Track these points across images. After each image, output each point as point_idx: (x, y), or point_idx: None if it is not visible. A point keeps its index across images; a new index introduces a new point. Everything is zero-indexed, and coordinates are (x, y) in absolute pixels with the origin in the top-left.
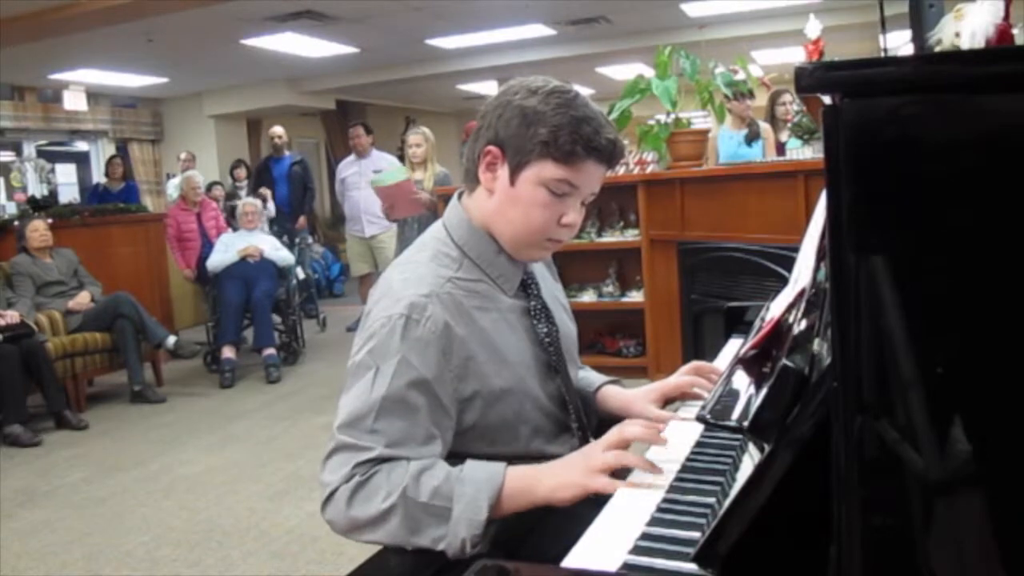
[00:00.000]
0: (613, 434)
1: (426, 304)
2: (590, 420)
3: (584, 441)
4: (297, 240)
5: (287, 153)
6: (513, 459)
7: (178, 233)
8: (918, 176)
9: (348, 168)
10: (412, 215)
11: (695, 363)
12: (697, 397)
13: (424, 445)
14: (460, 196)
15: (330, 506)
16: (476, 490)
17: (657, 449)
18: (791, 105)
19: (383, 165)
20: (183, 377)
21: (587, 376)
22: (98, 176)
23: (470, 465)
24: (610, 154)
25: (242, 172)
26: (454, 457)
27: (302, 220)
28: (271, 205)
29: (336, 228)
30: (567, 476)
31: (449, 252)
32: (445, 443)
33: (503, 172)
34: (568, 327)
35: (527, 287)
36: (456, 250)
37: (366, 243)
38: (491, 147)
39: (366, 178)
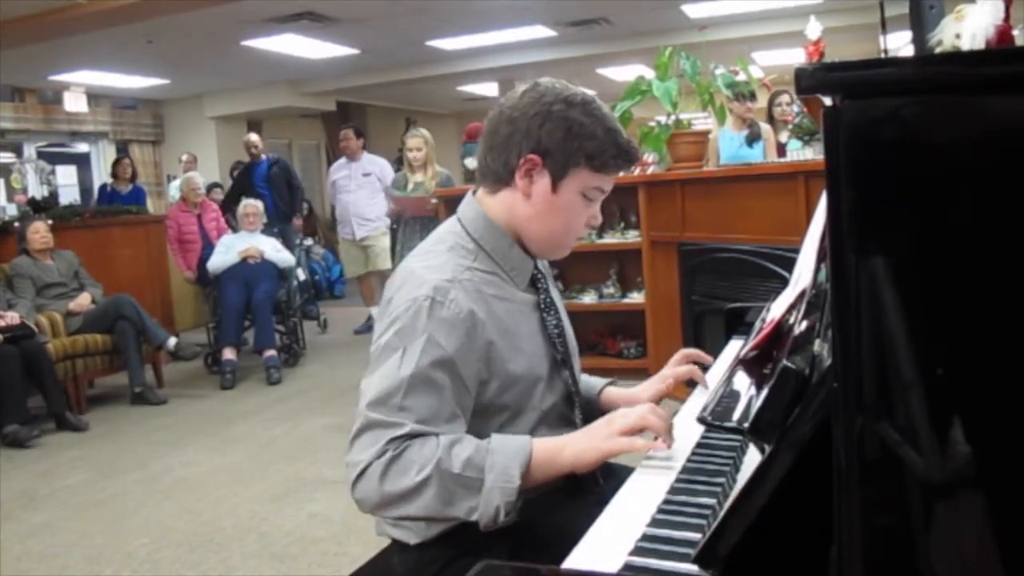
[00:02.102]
0: (633, 409)
1: (449, 288)
2: (593, 418)
3: None
4: (297, 242)
5: (263, 157)
6: None
7: (179, 235)
8: (918, 177)
9: (339, 171)
10: (416, 215)
11: (683, 351)
12: (697, 379)
13: (449, 423)
14: (475, 192)
15: (362, 482)
16: (507, 459)
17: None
18: (788, 107)
19: (373, 169)
20: (184, 379)
21: (587, 380)
22: (99, 177)
23: (496, 438)
24: (634, 159)
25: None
26: None
27: (298, 222)
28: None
29: (336, 230)
30: (589, 442)
31: (465, 245)
32: (466, 423)
33: (542, 180)
34: (568, 329)
35: (536, 282)
36: (472, 243)
37: (358, 245)
38: (533, 155)
39: (356, 181)
